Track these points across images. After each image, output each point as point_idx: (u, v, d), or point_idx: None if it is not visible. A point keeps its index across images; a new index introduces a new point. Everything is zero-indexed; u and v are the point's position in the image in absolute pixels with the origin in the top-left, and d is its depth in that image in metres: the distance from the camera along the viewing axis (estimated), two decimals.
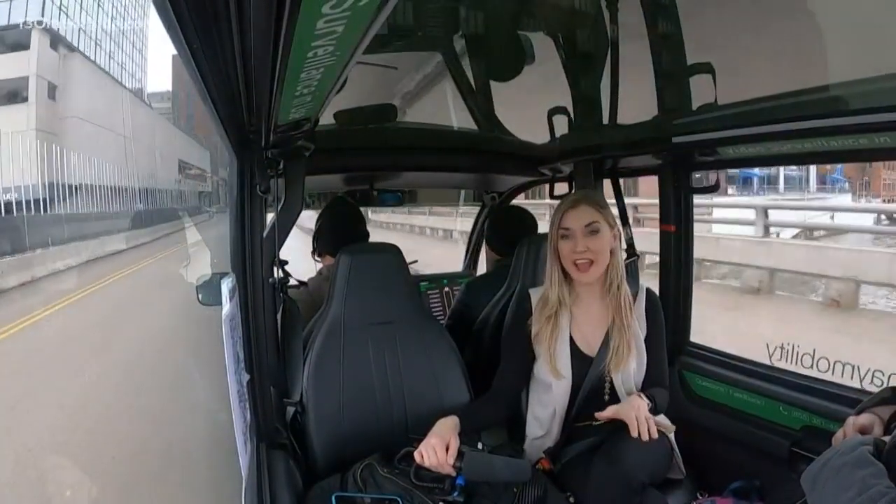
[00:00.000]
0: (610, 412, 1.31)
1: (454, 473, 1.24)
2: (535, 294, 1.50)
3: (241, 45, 0.61)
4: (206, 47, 0.64)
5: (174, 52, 0.65)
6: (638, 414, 1.27)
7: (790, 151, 1.36)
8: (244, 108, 0.89)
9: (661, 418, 1.43)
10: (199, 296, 1.75)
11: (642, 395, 1.36)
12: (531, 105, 1.85)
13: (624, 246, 1.80)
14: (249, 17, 0.54)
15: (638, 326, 1.45)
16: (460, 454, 1.25)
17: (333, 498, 1.23)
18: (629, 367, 1.41)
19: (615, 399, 1.42)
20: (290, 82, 0.69)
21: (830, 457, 0.84)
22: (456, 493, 1.23)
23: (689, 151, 1.62)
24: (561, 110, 1.76)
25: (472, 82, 1.76)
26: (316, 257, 2.05)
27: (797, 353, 2.36)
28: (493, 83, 1.78)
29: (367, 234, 2.04)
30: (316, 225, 2.04)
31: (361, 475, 1.30)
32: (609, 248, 1.41)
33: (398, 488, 1.25)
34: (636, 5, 1.29)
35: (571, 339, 1.45)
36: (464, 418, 1.34)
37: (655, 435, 1.27)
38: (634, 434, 1.25)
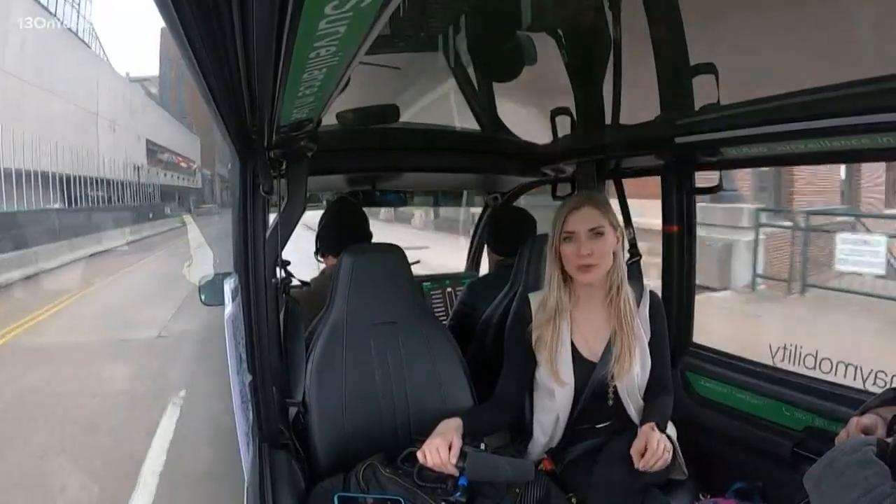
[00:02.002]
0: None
1: (457, 474, 1.23)
2: (534, 299, 1.48)
3: (244, 46, 0.62)
4: (208, 47, 0.64)
5: (163, 24, 0.58)
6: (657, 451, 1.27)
7: (793, 151, 1.36)
8: (247, 109, 0.90)
9: (670, 427, 1.43)
10: (202, 296, 1.77)
11: (654, 428, 1.32)
12: (533, 105, 1.85)
13: (627, 246, 1.80)
14: (252, 18, 0.54)
15: (641, 330, 1.44)
16: (463, 454, 1.24)
17: (336, 498, 1.23)
18: (633, 373, 1.41)
19: (619, 403, 1.42)
20: (293, 83, 0.69)
21: (833, 457, 0.83)
22: (458, 494, 1.23)
23: (692, 152, 1.61)
24: (563, 111, 1.76)
25: (475, 83, 1.77)
26: (318, 257, 2.05)
27: None
28: (495, 83, 1.79)
29: (370, 235, 2.04)
30: (319, 225, 2.04)
31: (364, 475, 1.30)
32: (612, 250, 1.39)
33: (401, 489, 1.25)
34: (639, 6, 1.29)
35: (573, 344, 1.43)
36: (467, 422, 1.33)
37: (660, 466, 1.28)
38: (640, 465, 1.26)
